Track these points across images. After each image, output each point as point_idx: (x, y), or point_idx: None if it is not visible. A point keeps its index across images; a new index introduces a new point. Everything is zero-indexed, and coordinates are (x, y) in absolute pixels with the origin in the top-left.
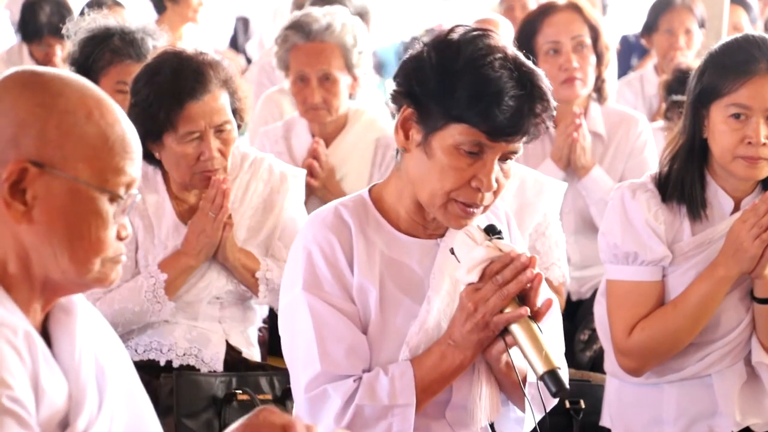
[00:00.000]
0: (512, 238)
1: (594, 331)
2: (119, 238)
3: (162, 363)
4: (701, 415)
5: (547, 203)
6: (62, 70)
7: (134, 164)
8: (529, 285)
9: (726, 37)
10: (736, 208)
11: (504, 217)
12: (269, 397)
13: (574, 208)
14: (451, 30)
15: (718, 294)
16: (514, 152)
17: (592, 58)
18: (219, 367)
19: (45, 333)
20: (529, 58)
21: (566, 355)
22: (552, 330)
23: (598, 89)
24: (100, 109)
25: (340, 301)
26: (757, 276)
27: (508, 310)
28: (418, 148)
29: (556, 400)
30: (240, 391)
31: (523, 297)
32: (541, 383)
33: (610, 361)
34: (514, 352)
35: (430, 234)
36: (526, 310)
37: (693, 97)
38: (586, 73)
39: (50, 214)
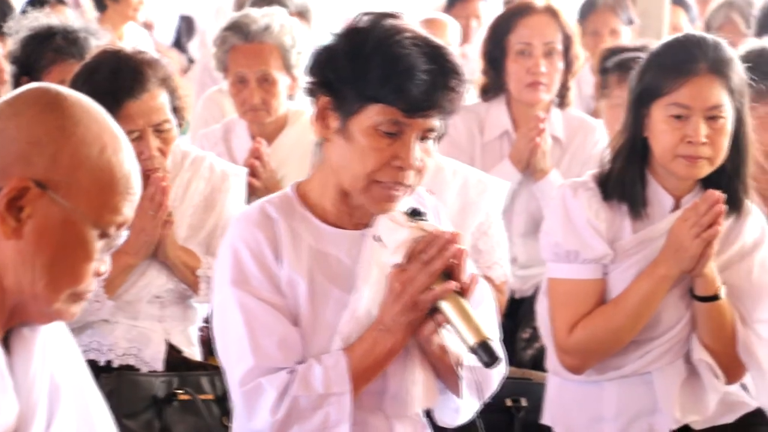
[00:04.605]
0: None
1: (535, 329)
2: (97, 274)
3: (102, 363)
4: (641, 413)
5: (489, 202)
6: (84, 96)
7: (132, 204)
8: (454, 261)
9: (667, 37)
10: (677, 207)
11: (433, 210)
12: (210, 397)
13: (526, 210)
14: (358, 18)
15: (659, 292)
16: (432, 130)
17: (561, 65)
18: (159, 366)
19: (6, 343)
20: (499, 56)
21: (508, 353)
22: (486, 316)
23: (562, 96)
24: (114, 145)
25: (269, 294)
26: (697, 275)
27: (435, 287)
28: (337, 135)
29: (494, 388)
30: (181, 391)
31: (449, 275)
32: (474, 357)
33: (551, 359)
34: (447, 336)
35: (356, 224)
36: (453, 284)
37: (634, 96)
38: (552, 80)
39: (40, 236)
